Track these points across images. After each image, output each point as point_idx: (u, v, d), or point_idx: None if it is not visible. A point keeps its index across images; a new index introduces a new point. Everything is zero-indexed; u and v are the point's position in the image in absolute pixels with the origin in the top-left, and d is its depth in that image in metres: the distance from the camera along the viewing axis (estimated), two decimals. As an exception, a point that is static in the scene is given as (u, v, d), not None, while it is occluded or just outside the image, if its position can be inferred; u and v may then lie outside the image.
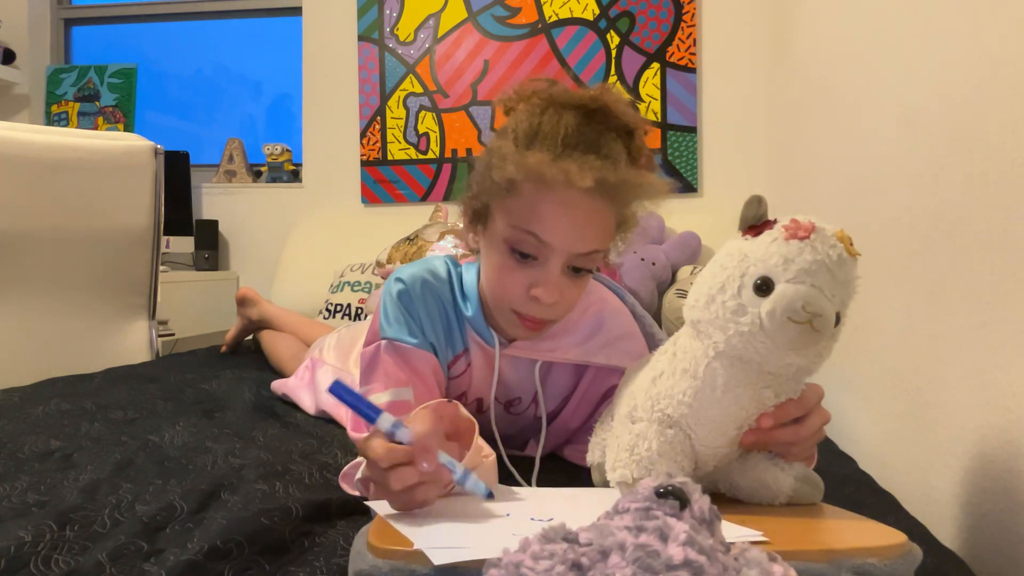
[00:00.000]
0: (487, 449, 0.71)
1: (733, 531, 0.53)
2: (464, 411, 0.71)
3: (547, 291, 0.77)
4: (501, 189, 0.76)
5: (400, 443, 0.58)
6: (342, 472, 0.79)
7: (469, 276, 0.90)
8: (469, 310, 0.88)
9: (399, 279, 0.89)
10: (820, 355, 0.60)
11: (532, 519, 0.58)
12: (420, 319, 0.87)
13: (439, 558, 0.46)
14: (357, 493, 0.74)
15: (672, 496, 0.39)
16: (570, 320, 0.88)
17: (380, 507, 0.59)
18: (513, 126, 0.78)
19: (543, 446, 0.89)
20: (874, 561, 0.48)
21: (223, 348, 1.92)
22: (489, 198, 0.80)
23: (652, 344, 0.92)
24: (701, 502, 0.40)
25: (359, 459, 0.79)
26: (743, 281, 0.58)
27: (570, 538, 0.38)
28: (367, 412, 0.59)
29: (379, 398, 0.83)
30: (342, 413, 1.19)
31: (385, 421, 0.58)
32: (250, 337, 1.97)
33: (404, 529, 0.53)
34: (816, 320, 0.55)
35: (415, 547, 0.48)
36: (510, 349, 0.88)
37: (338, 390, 0.59)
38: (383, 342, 0.86)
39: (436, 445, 0.58)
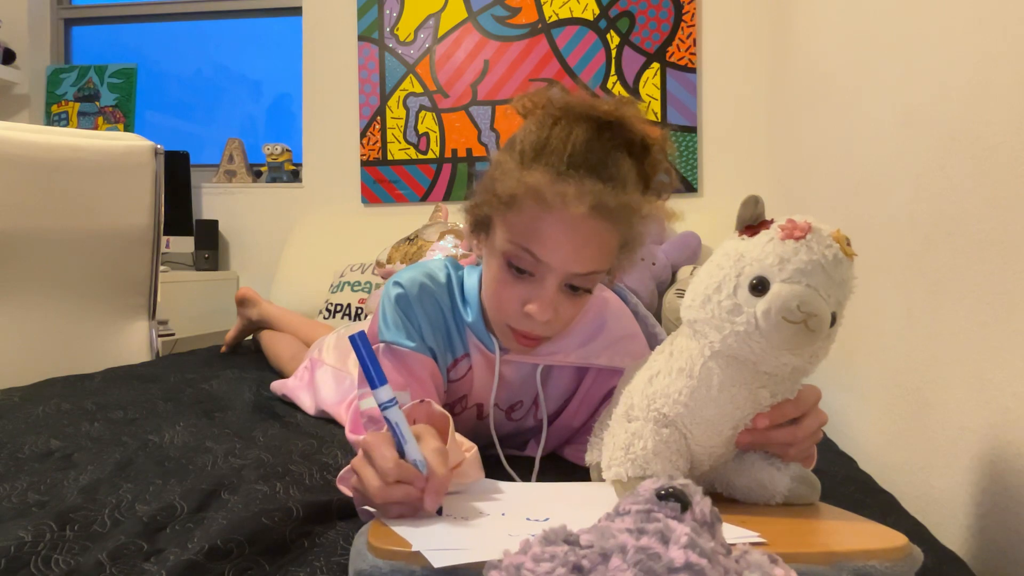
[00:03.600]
0: (467, 443, 0.71)
1: (732, 532, 0.53)
2: (437, 407, 0.71)
3: (541, 308, 0.76)
4: (502, 203, 0.76)
5: (402, 452, 0.58)
6: (339, 475, 0.79)
7: (471, 281, 0.89)
8: (470, 316, 0.88)
9: (397, 283, 0.88)
10: (816, 355, 0.60)
11: (528, 519, 0.58)
12: (418, 323, 0.87)
13: (438, 560, 0.46)
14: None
15: (673, 498, 0.39)
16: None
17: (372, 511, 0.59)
18: (522, 136, 0.77)
19: (543, 447, 0.89)
20: (875, 563, 0.48)
21: (223, 348, 1.92)
22: (491, 210, 0.79)
23: (654, 345, 0.92)
24: (702, 504, 0.40)
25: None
26: (739, 281, 0.58)
27: (571, 540, 0.38)
28: (372, 375, 0.60)
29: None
30: (341, 413, 1.19)
31: (384, 393, 0.59)
32: (250, 337, 1.97)
33: (401, 530, 0.53)
34: (811, 320, 0.55)
35: (413, 549, 0.48)
36: (510, 355, 0.88)
37: (357, 343, 0.60)
38: (381, 345, 0.85)
39: (446, 487, 0.59)
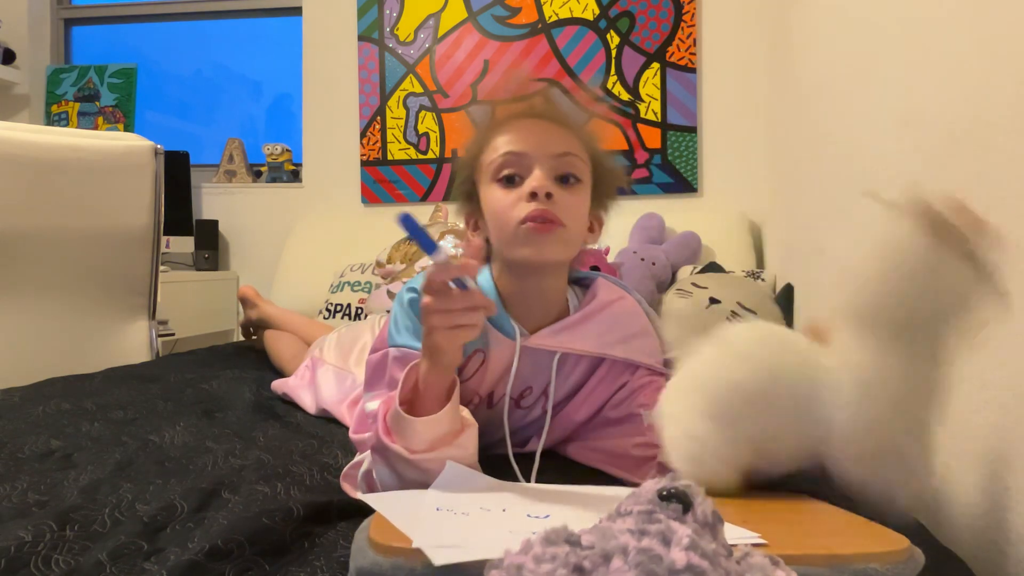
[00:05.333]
0: (469, 419, 0.75)
1: (733, 533, 0.52)
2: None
3: (538, 182, 0.82)
4: (475, 154, 0.86)
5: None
6: (343, 473, 0.79)
7: (483, 275, 0.91)
8: None
9: (411, 288, 0.90)
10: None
11: (529, 516, 0.58)
12: None
13: (439, 558, 0.46)
14: (358, 494, 0.74)
15: (675, 499, 0.39)
16: (589, 313, 0.90)
17: (379, 504, 0.59)
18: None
19: (545, 440, 0.89)
20: (876, 566, 0.48)
21: (245, 337, 1.97)
22: (470, 171, 0.88)
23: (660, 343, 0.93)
24: (704, 505, 0.40)
25: (358, 459, 0.80)
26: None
27: (572, 540, 0.38)
28: (427, 243, 0.65)
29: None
30: (343, 411, 1.19)
31: (442, 253, 0.65)
32: (254, 337, 1.98)
33: (403, 527, 0.52)
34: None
35: (414, 546, 0.48)
36: (530, 341, 0.89)
37: (407, 221, 0.63)
38: (391, 349, 0.86)
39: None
